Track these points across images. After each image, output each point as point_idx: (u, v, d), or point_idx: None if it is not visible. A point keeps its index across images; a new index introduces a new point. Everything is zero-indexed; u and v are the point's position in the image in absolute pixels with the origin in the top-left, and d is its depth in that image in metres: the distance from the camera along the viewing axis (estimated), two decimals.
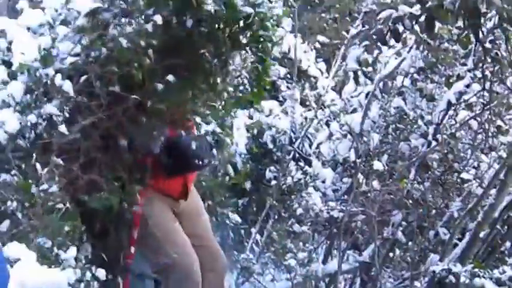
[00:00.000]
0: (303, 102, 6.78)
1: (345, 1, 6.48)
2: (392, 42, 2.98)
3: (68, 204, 2.42)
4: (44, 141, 2.37)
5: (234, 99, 2.83)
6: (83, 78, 2.42)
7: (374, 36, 2.85)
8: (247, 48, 2.79)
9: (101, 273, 2.60)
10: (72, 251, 2.49)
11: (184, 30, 2.52)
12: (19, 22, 2.77)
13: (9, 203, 2.23)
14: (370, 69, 4.04)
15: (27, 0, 2.85)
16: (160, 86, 2.46)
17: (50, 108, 2.39)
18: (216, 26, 2.56)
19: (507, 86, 4.02)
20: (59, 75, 2.39)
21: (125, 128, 2.53)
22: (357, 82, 3.48)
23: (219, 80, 2.73)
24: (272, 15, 2.79)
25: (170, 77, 2.45)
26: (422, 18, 2.61)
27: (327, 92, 6.37)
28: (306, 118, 6.18)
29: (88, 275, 2.53)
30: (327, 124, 5.98)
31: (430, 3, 2.31)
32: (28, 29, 2.75)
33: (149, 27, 2.43)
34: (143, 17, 2.51)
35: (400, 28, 2.84)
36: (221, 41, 2.60)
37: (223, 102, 2.84)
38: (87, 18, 2.54)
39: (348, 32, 5.68)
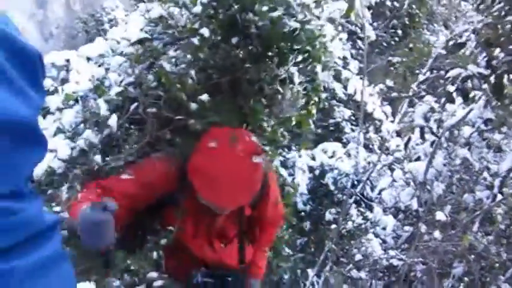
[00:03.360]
0: (366, 146, 6.81)
1: (413, 55, 6.53)
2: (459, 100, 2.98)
3: None
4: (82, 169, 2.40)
5: (281, 120, 2.65)
6: (133, 106, 2.44)
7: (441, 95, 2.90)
8: (296, 68, 2.61)
9: None
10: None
11: (229, 47, 2.42)
12: (79, 53, 2.89)
13: None
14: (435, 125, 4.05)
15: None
16: (194, 106, 2.38)
17: (89, 135, 2.46)
18: (263, 44, 2.43)
19: None
20: (104, 107, 2.46)
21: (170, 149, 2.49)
22: (422, 137, 3.51)
23: (264, 100, 2.59)
24: (320, 34, 2.60)
25: (204, 97, 2.39)
26: (492, 79, 2.62)
27: (392, 137, 6.38)
28: (369, 162, 6.18)
29: None
30: (390, 169, 5.99)
31: (500, 69, 2.33)
32: (88, 59, 2.86)
33: (195, 40, 2.37)
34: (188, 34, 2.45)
35: (469, 86, 2.86)
36: (268, 59, 2.49)
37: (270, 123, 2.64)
38: (135, 47, 2.60)
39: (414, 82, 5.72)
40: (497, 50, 2.69)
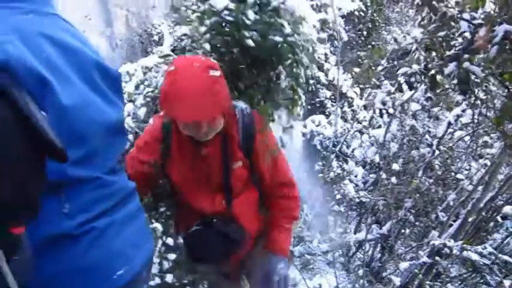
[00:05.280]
0: (342, 117, 6.83)
1: (375, 57, 6.52)
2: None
3: None
4: None
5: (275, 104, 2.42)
6: None
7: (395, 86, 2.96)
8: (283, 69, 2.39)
9: None
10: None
11: (231, 55, 2.28)
12: (138, 64, 2.99)
13: None
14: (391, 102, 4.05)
15: None
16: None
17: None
18: (255, 53, 2.25)
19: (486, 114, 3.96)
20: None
21: None
22: (381, 116, 3.55)
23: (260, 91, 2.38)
24: (303, 44, 2.37)
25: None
26: (428, 75, 2.65)
27: (361, 110, 6.39)
28: (344, 129, 6.21)
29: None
30: (360, 133, 6.01)
31: (433, 69, 2.37)
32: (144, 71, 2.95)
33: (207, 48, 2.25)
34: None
35: (413, 80, 2.90)
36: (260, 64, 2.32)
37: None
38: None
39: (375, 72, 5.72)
40: (433, 53, 2.70)
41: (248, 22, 2.17)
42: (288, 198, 2.11)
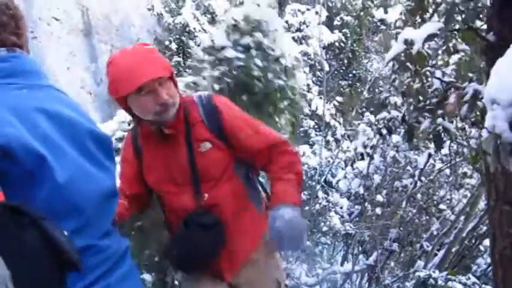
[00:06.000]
0: (326, 146, 6.92)
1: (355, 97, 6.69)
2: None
3: None
4: None
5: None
6: None
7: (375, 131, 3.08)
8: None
9: None
10: None
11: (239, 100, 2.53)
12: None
13: None
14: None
15: None
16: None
17: None
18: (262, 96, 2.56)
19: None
20: None
21: None
22: (363, 158, 3.67)
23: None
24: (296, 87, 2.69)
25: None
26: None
27: (345, 140, 6.51)
28: (328, 160, 6.30)
29: None
30: (345, 164, 6.09)
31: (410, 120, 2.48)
32: None
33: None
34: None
35: (391, 125, 3.01)
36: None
37: None
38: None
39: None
40: (410, 99, 2.79)
41: (256, 68, 2.50)
42: (283, 154, 1.87)
